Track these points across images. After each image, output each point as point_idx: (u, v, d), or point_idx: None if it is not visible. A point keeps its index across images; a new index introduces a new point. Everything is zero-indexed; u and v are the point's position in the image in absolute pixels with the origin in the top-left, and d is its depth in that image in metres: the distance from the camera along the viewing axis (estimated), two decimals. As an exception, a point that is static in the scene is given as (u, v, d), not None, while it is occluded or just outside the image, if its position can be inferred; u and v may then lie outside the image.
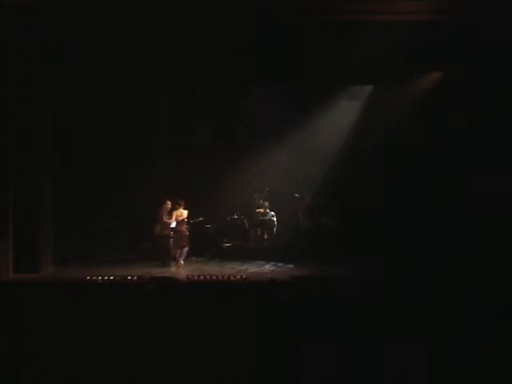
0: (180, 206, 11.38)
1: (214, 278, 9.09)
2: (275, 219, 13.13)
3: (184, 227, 11.43)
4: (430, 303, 5.85)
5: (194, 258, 12.31)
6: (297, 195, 13.24)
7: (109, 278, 8.52)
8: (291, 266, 11.38)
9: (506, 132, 10.33)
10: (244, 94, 13.10)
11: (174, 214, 11.43)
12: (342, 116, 13.42)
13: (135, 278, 8.63)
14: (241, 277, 9.16)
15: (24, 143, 10.13)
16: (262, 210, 13.13)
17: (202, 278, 9.05)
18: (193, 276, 9.17)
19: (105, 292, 6.94)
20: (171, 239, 11.60)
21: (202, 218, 12.76)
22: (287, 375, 4.46)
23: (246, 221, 13.22)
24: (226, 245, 12.99)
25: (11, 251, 9.92)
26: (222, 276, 9.23)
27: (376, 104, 12.65)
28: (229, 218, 13.07)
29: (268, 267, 11.35)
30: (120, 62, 10.54)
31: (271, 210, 13.14)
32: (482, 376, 4.60)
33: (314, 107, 13.31)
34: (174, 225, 11.55)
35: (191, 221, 12.56)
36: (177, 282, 7.82)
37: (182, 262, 11.25)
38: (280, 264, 11.60)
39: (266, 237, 13.15)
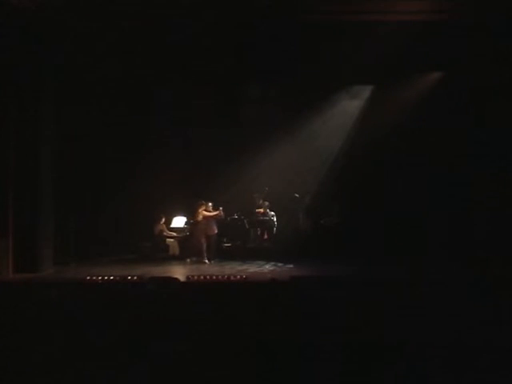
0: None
1: (214, 277, 9.09)
2: (275, 219, 13.12)
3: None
4: (430, 303, 5.86)
5: (194, 258, 12.33)
6: (297, 195, 13.24)
7: (109, 277, 8.52)
8: (291, 266, 11.37)
9: (507, 132, 10.36)
10: (244, 94, 13.11)
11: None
12: (342, 116, 13.41)
13: (135, 277, 8.63)
14: (241, 277, 9.15)
15: (24, 143, 10.13)
16: (261, 210, 13.12)
17: (202, 277, 9.04)
18: (193, 276, 9.16)
19: (105, 292, 6.94)
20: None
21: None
22: (287, 375, 4.46)
23: (246, 221, 13.22)
24: (226, 245, 12.99)
25: (11, 251, 9.92)
26: (222, 276, 9.22)
27: (376, 104, 12.66)
28: (229, 218, 13.06)
29: (268, 267, 11.34)
30: (121, 61, 10.56)
31: (271, 210, 13.13)
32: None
33: (314, 107, 13.31)
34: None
35: (191, 221, 12.59)
36: (177, 282, 7.80)
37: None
38: (280, 264, 11.59)
39: (265, 237, 13.15)
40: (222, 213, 11.93)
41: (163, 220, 12.71)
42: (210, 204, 11.92)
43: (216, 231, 12.05)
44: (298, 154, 13.32)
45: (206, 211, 11.85)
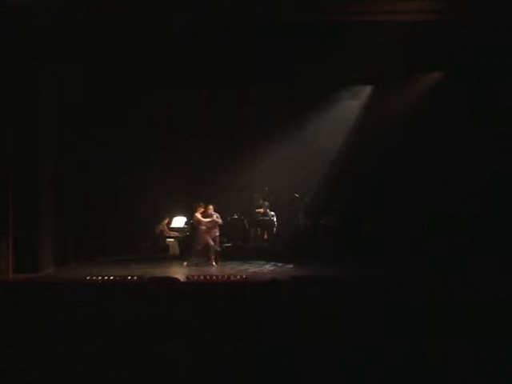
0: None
1: (214, 278, 9.09)
2: (275, 219, 13.12)
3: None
4: (429, 304, 5.86)
5: (194, 261, 12.32)
6: (297, 195, 13.25)
7: (109, 278, 8.53)
8: (291, 266, 11.37)
9: (506, 132, 10.36)
10: (244, 94, 13.11)
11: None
12: (342, 116, 13.41)
13: (135, 277, 8.63)
14: (241, 277, 9.15)
15: (24, 143, 10.13)
16: (261, 210, 13.13)
17: (201, 277, 9.05)
18: (193, 276, 9.17)
19: (105, 292, 6.95)
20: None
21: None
22: (287, 375, 4.46)
23: (246, 221, 13.22)
24: (226, 245, 12.99)
25: (11, 251, 9.92)
26: (222, 276, 9.23)
27: (376, 104, 12.66)
28: (229, 218, 13.06)
29: (268, 267, 11.34)
30: (120, 60, 10.56)
31: (271, 210, 13.13)
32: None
33: (314, 107, 13.31)
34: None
35: (191, 221, 12.59)
36: (177, 281, 7.81)
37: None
38: (280, 264, 11.60)
39: (265, 237, 13.16)
40: (219, 220, 11.53)
41: (167, 220, 12.71)
42: (211, 206, 11.47)
43: (216, 234, 11.61)
44: (297, 154, 13.31)
45: (203, 215, 11.40)
